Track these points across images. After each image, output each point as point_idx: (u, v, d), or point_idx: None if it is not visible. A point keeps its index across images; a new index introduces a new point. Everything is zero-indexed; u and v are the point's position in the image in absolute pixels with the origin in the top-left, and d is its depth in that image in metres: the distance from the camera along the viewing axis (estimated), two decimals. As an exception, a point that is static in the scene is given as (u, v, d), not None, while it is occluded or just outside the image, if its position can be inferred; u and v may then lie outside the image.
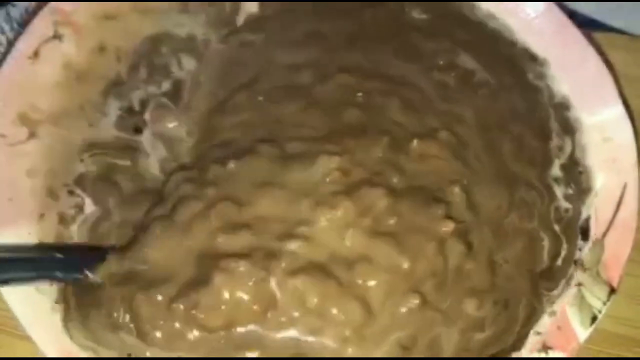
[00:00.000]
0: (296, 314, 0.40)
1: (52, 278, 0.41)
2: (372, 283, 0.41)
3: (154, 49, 0.51)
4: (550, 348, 0.43)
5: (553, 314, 0.44)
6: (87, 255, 0.42)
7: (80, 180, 0.47)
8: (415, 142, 0.45)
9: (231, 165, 0.44)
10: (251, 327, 0.40)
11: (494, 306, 0.43)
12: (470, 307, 0.43)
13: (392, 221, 0.42)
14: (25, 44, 0.47)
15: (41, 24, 0.48)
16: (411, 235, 0.42)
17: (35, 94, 0.47)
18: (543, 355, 0.43)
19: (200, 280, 0.40)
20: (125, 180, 0.47)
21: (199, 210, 0.42)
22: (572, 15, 0.52)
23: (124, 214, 0.45)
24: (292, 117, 0.47)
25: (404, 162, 0.45)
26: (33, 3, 0.55)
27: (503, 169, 0.47)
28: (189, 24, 0.52)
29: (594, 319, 0.43)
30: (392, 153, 0.45)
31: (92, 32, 0.49)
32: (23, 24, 0.53)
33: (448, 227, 0.43)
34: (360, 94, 0.47)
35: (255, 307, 0.40)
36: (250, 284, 0.40)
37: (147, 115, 0.49)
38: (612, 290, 0.43)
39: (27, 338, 0.42)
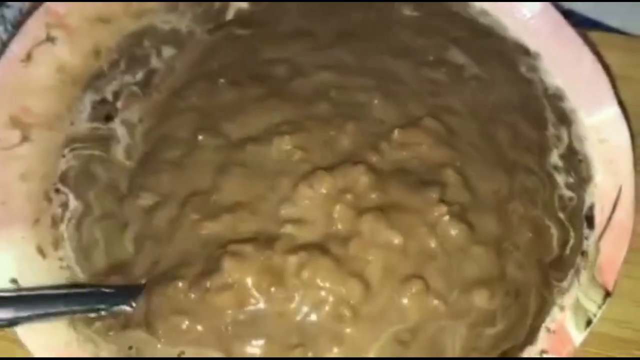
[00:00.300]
0: (297, 290, 0.41)
1: (99, 310, 0.42)
2: (367, 259, 0.42)
3: (137, 42, 0.51)
4: (545, 352, 0.42)
5: (562, 308, 0.44)
6: (126, 289, 0.43)
7: (63, 177, 0.47)
8: (396, 131, 0.46)
9: (181, 162, 0.46)
10: (258, 306, 0.41)
11: (506, 297, 0.43)
12: (480, 298, 0.42)
13: (376, 197, 0.43)
14: (17, 47, 0.47)
15: (34, 27, 0.48)
16: (400, 213, 0.43)
17: (28, 97, 0.47)
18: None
19: (210, 269, 0.41)
20: (100, 170, 0.47)
21: (174, 214, 0.44)
22: (568, 15, 0.52)
23: (102, 206, 0.46)
24: (250, 104, 0.48)
25: (386, 148, 0.45)
26: (27, 4, 0.55)
27: (500, 154, 0.47)
28: (176, 20, 0.52)
29: (589, 322, 0.42)
30: (367, 138, 0.46)
31: (86, 34, 0.49)
32: (17, 26, 0.52)
33: (441, 209, 0.43)
34: (334, 90, 0.48)
35: (261, 284, 0.41)
36: (257, 264, 0.41)
37: (119, 104, 0.49)
38: (608, 294, 0.43)
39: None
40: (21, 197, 0.45)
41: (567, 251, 0.46)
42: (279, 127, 0.46)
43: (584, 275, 0.44)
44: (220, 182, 0.45)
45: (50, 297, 0.42)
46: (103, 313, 0.42)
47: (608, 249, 0.45)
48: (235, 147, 0.46)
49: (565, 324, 0.43)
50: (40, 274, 0.44)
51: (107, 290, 0.42)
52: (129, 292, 0.42)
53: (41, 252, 0.45)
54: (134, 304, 0.42)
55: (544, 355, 0.42)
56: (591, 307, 0.43)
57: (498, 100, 0.49)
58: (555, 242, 0.46)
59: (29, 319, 0.40)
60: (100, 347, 0.42)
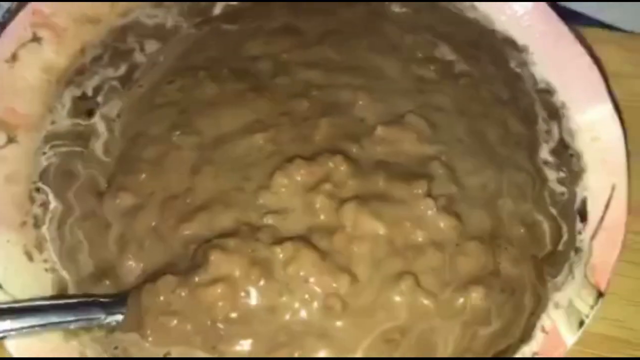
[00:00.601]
0: (287, 282, 0.41)
1: (94, 319, 0.41)
2: (353, 251, 0.41)
3: (121, 37, 0.51)
4: (536, 353, 0.42)
5: (557, 305, 0.44)
6: (119, 297, 0.42)
7: (43, 175, 0.46)
8: (379, 128, 0.46)
9: (158, 162, 0.45)
10: (247, 300, 0.40)
11: (501, 294, 0.42)
12: (475, 295, 0.42)
13: (356, 186, 0.43)
14: (3, 47, 0.47)
15: (19, 27, 0.47)
16: (384, 203, 0.42)
17: (13, 98, 0.47)
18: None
19: (197, 265, 0.41)
20: (80, 166, 0.47)
21: (154, 219, 0.44)
22: (562, 10, 0.51)
23: (82, 205, 0.45)
24: (228, 100, 0.47)
25: (366, 144, 0.45)
26: (15, 3, 0.54)
27: (489, 150, 0.47)
28: (162, 15, 0.52)
29: (581, 323, 0.42)
30: (346, 134, 0.45)
31: (72, 34, 0.49)
32: (3, 26, 0.52)
33: (427, 200, 0.43)
34: (316, 89, 0.47)
35: (250, 277, 0.41)
36: (244, 256, 0.41)
37: (99, 98, 0.49)
38: (600, 294, 0.43)
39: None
40: (6, 199, 0.45)
41: (561, 247, 0.46)
42: (252, 125, 0.46)
43: (576, 276, 0.44)
44: (194, 183, 0.44)
45: (43, 309, 0.41)
46: (97, 323, 0.41)
47: (601, 249, 0.44)
48: (209, 146, 0.45)
49: (558, 325, 0.42)
50: (26, 277, 0.43)
51: (102, 300, 0.42)
52: (121, 301, 0.42)
53: (28, 255, 0.44)
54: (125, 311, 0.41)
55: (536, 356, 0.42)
56: (583, 308, 0.42)
57: (488, 97, 0.49)
58: (548, 238, 0.46)
59: (20, 331, 0.40)
60: (85, 345, 0.42)
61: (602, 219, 0.45)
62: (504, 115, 0.49)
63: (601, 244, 0.44)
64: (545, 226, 0.46)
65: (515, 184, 0.46)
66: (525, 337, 0.43)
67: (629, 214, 0.45)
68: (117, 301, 0.42)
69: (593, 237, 0.45)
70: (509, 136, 0.48)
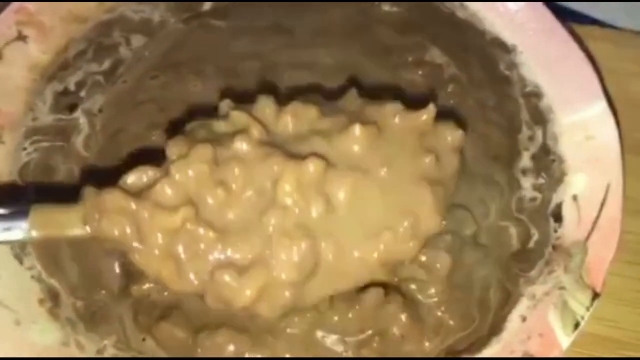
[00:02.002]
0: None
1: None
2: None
3: (106, 32, 0.50)
4: (532, 356, 0.42)
5: (533, 297, 0.43)
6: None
7: (22, 171, 0.46)
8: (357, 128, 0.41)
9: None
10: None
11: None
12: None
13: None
14: (-14, 45, 0.46)
15: (4, 25, 0.47)
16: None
17: (-1, 97, 0.46)
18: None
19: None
20: (60, 161, 0.46)
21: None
22: (554, 8, 0.51)
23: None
24: (210, 98, 0.46)
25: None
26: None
27: (462, 167, 0.45)
28: (149, 10, 0.52)
29: (576, 325, 0.42)
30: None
31: (58, 32, 0.48)
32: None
33: None
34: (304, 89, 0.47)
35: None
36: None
37: (82, 93, 0.48)
38: (596, 295, 0.42)
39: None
40: (-7, 201, 0.44)
41: (531, 244, 0.45)
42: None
43: (570, 277, 0.44)
44: None
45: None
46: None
47: (596, 249, 0.44)
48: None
49: (553, 326, 0.42)
50: (14, 280, 0.43)
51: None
52: (18, 215, 0.38)
53: (18, 258, 0.43)
54: (25, 225, 0.38)
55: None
56: (579, 309, 0.42)
57: (474, 106, 0.49)
58: (514, 239, 0.46)
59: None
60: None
61: (597, 218, 0.44)
62: (487, 126, 0.48)
63: (596, 244, 0.44)
64: (512, 230, 0.46)
65: (480, 199, 0.46)
66: (495, 329, 0.43)
67: (624, 213, 0.44)
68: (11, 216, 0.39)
69: (588, 237, 0.44)
70: (488, 150, 0.48)
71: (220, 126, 0.39)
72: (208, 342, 0.41)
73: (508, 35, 0.52)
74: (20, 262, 0.43)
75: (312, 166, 0.37)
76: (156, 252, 0.36)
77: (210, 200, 0.37)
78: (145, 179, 0.37)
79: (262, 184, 0.37)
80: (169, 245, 0.36)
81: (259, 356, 0.40)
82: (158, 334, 0.41)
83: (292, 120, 0.39)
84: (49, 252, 0.44)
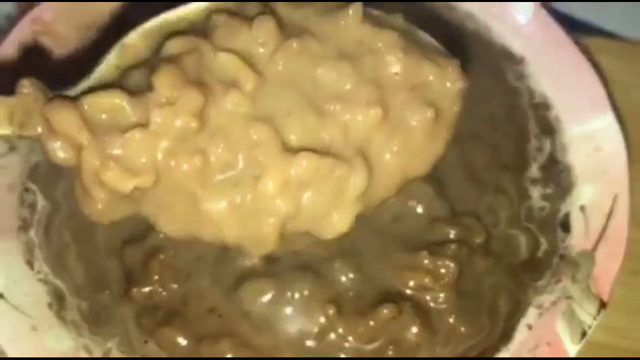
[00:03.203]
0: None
1: None
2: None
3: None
4: (540, 365, 0.42)
5: (541, 306, 0.44)
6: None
7: (32, 173, 0.46)
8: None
9: None
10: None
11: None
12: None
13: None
14: (4, 54, 0.46)
15: (21, 35, 0.47)
16: None
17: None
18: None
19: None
20: None
21: None
22: (562, 18, 0.51)
23: (69, 203, 0.45)
24: None
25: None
26: (16, 9, 0.54)
27: (472, 176, 0.47)
28: None
29: (584, 334, 0.42)
30: None
31: (73, 42, 0.48)
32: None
33: None
34: None
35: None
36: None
37: None
38: (603, 305, 0.43)
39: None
40: (8, 208, 0.45)
41: (540, 254, 0.46)
42: None
43: (577, 287, 0.44)
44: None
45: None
46: None
47: (603, 260, 0.44)
48: None
49: (561, 336, 0.42)
50: (28, 285, 0.43)
51: None
52: None
53: (29, 263, 0.44)
54: None
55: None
56: (586, 318, 0.42)
57: (483, 116, 0.49)
58: (523, 247, 0.46)
59: None
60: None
61: (604, 229, 0.45)
62: (496, 136, 0.49)
63: (603, 254, 0.44)
64: (521, 238, 0.46)
65: (489, 208, 0.46)
66: (504, 338, 0.43)
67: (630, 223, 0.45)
68: None
69: (595, 247, 0.45)
70: (497, 159, 0.48)
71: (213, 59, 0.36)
72: (210, 351, 0.41)
73: (517, 47, 0.52)
74: (31, 267, 0.44)
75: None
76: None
77: (185, 167, 0.35)
78: (113, 111, 0.33)
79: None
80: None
81: (258, 356, 0.41)
82: (160, 339, 0.42)
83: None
84: (57, 253, 0.44)
